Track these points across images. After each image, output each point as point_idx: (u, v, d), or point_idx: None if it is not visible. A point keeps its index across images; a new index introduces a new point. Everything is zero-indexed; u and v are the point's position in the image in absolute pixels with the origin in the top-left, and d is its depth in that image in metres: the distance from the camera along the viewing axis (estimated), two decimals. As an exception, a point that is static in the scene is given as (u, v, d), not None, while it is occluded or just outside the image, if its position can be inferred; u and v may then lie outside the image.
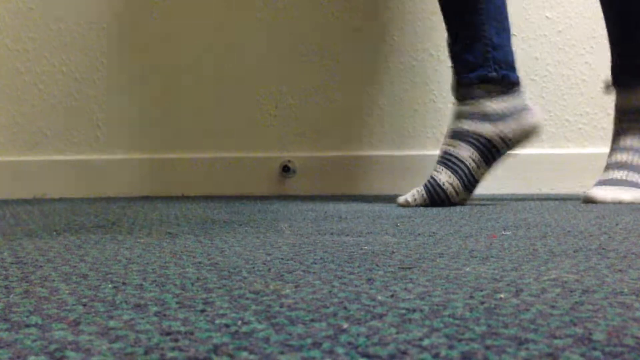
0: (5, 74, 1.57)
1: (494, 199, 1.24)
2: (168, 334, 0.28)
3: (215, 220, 0.82)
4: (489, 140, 1.02)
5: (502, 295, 0.35)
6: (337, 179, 1.49)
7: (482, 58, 1.04)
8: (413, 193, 1.04)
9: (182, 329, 0.29)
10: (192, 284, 0.39)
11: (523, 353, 0.24)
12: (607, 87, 1.17)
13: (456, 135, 1.04)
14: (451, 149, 1.03)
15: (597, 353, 0.24)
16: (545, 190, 1.44)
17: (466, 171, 1.02)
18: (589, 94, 1.45)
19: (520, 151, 1.46)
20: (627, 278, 0.39)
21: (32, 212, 1.01)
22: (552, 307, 0.32)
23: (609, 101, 1.44)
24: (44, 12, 1.56)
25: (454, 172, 1.02)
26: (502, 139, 1.03)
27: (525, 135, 1.04)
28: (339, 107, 1.51)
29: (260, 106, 1.53)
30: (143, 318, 0.31)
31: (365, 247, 0.54)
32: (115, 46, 1.55)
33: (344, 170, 1.49)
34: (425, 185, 1.03)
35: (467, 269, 0.43)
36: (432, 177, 1.03)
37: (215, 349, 0.25)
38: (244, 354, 0.25)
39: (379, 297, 0.34)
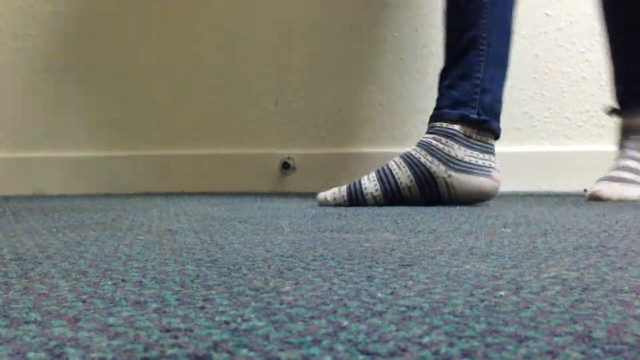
0: (5, 71, 1.57)
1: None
2: (168, 330, 0.28)
3: (215, 217, 0.82)
4: (435, 182, 1.00)
5: (502, 293, 0.35)
6: (337, 176, 1.49)
7: (467, 97, 1.02)
8: (334, 192, 1.03)
9: (182, 325, 0.29)
10: (192, 281, 0.39)
11: (523, 351, 0.24)
12: (610, 111, 1.22)
13: (409, 161, 1.02)
14: (395, 169, 1.02)
15: (597, 351, 0.24)
16: (545, 187, 1.44)
17: (396, 193, 1.01)
18: (589, 92, 1.45)
19: (519, 149, 1.46)
20: (627, 276, 0.39)
21: (31, 209, 1.01)
22: (552, 304, 0.32)
23: (609, 99, 1.44)
24: (43, 9, 1.56)
25: (384, 189, 1.01)
26: (448, 188, 1.00)
27: (471, 198, 1.01)
28: (339, 104, 1.50)
29: (260, 103, 1.53)
30: (143, 315, 0.31)
31: (365, 244, 0.54)
32: (116, 43, 1.55)
33: (344, 167, 1.49)
34: (349, 188, 1.02)
35: (467, 267, 0.43)
36: (359, 182, 1.03)
37: (215, 346, 0.25)
38: (244, 351, 0.25)
39: (379, 295, 0.34)
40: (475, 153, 1.01)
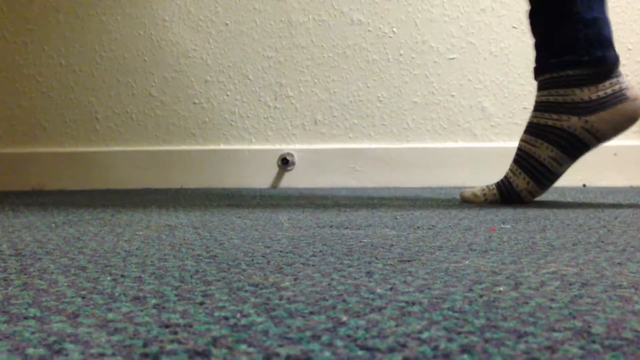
0: (4, 66, 1.57)
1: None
2: (167, 326, 0.28)
3: (214, 213, 0.82)
4: (575, 136, 0.89)
5: (501, 289, 0.35)
6: (336, 172, 1.49)
7: (572, 37, 0.88)
8: (483, 189, 0.95)
9: (181, 321, 0.29)
10: (191, 277, 0.39)
11: (522, 346, 0.24)
12: None
13: (537, 131, 0.91)
14: (530, 148, 0.91)
15: (596, 346, 0.24)
16: (545, 183, 1.44)
17: (546, 173, 0.91)
18: (588, 87, 1.45)
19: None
20: (626, 271, 0.39)
21: (30, 205, 1.01)
22: (551, 300, 0.32)
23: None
24: (42, 4, 1.55)
25: (532, 175, 0.91)
26: (592, 134, 0.88)
27: (620, 128, 0.89)
28: (339, 100, 1.50)
29: (259, 98, 1.52)
30: (142, 310, 0.31)
31: (365, 240, 0.54)
32: (114, 38, 1.54)
33: (344, 162, 1.49)
34: (499, 186, 0.94)
35: (467, 262, 0.43)
36: (507, 179, 0.93)
37: (214, 342, 0.25)
38: (243, 346, 0.25)
39: (378, 290, 0.34)
40: (600, 85, 0.88)
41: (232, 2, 1.53)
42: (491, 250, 0.48)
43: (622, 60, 1.43)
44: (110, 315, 0.30)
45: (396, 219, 0.72)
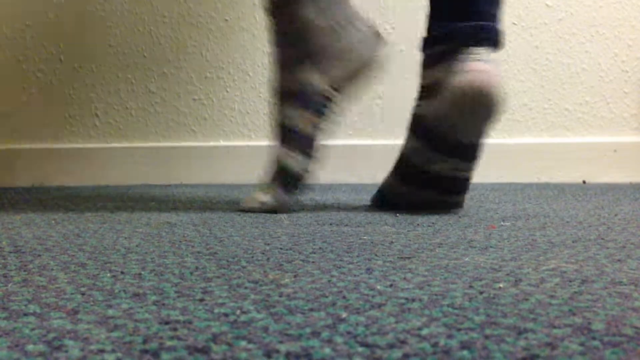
0: (4, 62, 1.56)
1: (493, 188, 1.24)
2: (167, 323, 0.28)
3: (214, 210, 0.82)
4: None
5: (501, 285, 0.35)
6: (336, 169, 1.49)
7: None
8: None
9: (181, 318, 0.29)
10: (191, 274, 0.39)
11: (522, 342, 0.24)
12: None
13: None
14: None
15: (596, 342, 0.24)
16: (545, 179, 1.44)
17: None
18: (589, 83, 1.45)
19: (519, 141, 1.46)
20: (626, 268, 0.39)
21: (30, 201, 1.01)
22: (551, 296, 0.32)
23: (609, 90, 1.44)
24: None
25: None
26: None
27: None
28: (338, 96, 1.50)
29: (259, 94, 1.52)
30: (142, 307, 0.31)
31: (364, 237, 0.54)
32: (113, 34, 1.54)
33: (344, 159, 1.49)
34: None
35: (466, 259, 0.43)
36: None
37: (214, 338, 0.25)
38: (243, 343, 0.25)
39: (378, 287, 0.34)
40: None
41: (232, -2, 1.53)
42: (491, 247, 0.48)
43: (622, 56, 1.43)
44: (110, 312, 0.30)
45: (396, 216, 0.72)
